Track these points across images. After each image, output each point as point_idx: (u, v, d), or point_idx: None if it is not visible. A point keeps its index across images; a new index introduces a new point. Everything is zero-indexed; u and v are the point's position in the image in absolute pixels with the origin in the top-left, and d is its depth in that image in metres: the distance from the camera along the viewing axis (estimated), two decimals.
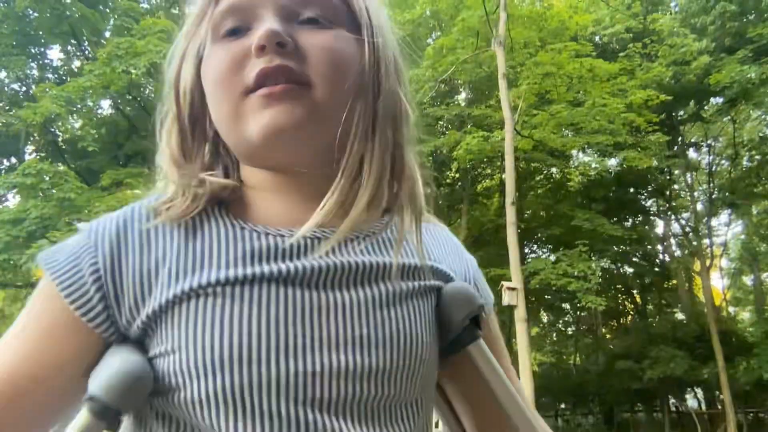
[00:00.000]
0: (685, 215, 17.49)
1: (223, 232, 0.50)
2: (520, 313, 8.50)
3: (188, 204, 0.50)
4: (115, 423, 0.46)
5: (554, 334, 23.38)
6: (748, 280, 22.24)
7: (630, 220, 17.60)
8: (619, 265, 18.08)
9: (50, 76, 13.67)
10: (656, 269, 18.48)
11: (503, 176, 11.94)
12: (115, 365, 0.45)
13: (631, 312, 20.86)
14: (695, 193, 16.03)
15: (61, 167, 10.33)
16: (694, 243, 16.15)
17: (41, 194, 9.80)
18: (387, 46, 0.56)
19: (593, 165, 17.36)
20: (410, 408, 0.51)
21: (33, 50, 13.06)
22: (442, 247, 0.62)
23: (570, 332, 22.32)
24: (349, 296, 0.49)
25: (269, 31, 0.48)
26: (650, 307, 20.30)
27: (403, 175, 0.55)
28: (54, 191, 9.50)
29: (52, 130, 12.83)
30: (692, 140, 17.07)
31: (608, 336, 20.86)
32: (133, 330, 0.48)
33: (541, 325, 23.12)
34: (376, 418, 0.48)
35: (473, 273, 0.63)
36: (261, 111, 0.48)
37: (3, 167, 13.58)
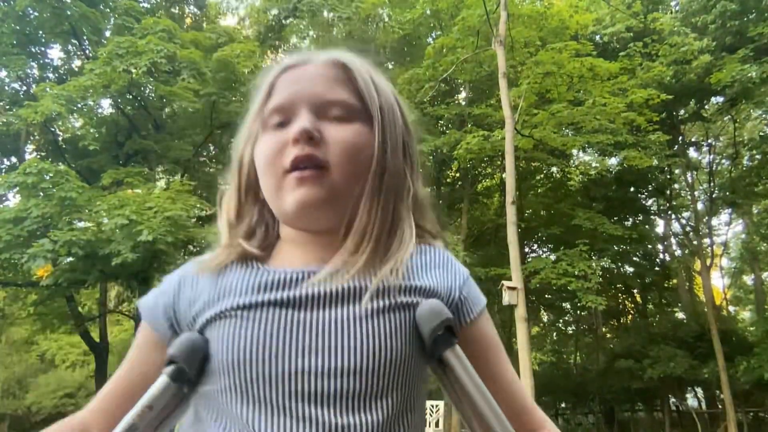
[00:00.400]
0: (686, 214, 17.50)
1: (242, 272, 0.69)
2: (520, 313, 8.50)
3: (223, 258, 0.71)
4: (183, 386, 0.65)
5: (554, 334, 23.39)
6: (748, 279, 22.24)
7: (630, 219, 17.60)
8: (620, 264, 18.08)
9: (50, 75, 13.67)
10: (656, 269, 18.48)
11: (503, 175, 11.94)
12: (184, 338, 0.66)
13: (632, 311, 20.86)
14: (696, 193, 16.03)
15: (62, 166, 10.32)
16: (695, 242, 16.15)
17: (42, 193, 9.80)
18: (396, 132, 0.74)
19: (593, 164, 17.38)
20: (383, 400, 0.63)
21: (33, 49, 13.06)
22: (430, 268, 0.72)
23: (570, 331, 22.33)
24: (331, 314, 0.64)
25: (302, 129, 0.66)
26: (650, 306, 20.31)
27: (396, 234, 0.70)
28: (55, 190, 9.50)
29: (53, 129, 12.83)
30: (693, 139, 17.07)
31: (608, 335, 20.87)
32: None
33: (542, 324, 23.12)
34: (352, 408, 0.61)
35: (461, 284, 0.73)
36: (294, 189, 0.67)
37: (3, 167, 13.59)
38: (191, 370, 0.64)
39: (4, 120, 12.31)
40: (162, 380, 0.65)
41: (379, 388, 0.63)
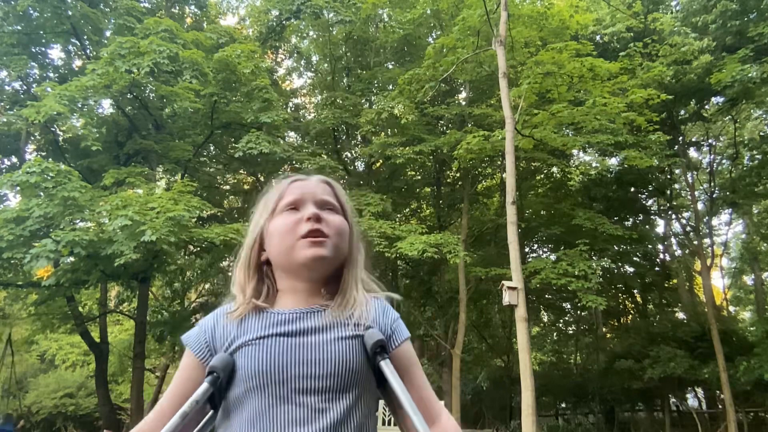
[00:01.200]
0: (686, 214, 17.49)
1: (256, 317, 1.08)
2: (520, 313, 8.50)
3: (242, 311, 1.09)
4: (218, 393, 1.02)
5: (554, 334, 23.38)
6: (748, 279, 22.24)
7: (630, 219, 17.59)
8: (620, 264, 18.07)
9: (51, 75, 13.67)
10: (657, 269, 18.47)
11: (504, 175, 11.94)
12: (220, 356, 1.03)
13: (632, 311, 20.86)
14: (696, 193, 16.02)
15: (63, 166, 10.32)
16: (695, 242, 16.14)
17: (42, 193, 9.80)
18: (353, 222, 1.18)
19: (594, 164, 17.37)
20: (349, 393, 1.02)
21: (34, 49, 13.06)
22: (375, 311, 1.12)
23: (570, 331, 22.32)
24: (315, 339, 1.03)
25: (314, 212, 1.09)
26: (651, 306, 20.29)
27: (358, 291, 1.12)
28: (57, 190, 9.50)
29: (53, 129, 12.84)
30: (693, 139, 17.06)
31: (609, 335, 20.86)
32: None
33: (542, 324, 23.12)
34: (330, 398, 1.00)
35: (391, 323, 1.13)
36: (308, 248, 1.07)
37: (3, 167, 13.59)
38: (223, 377, 1.00)
39: (5, 120, 12.32)
40: (204, 385, 0.99)
41: (345, 385, 1.01)
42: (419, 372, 1.13)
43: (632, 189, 16.49)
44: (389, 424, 10.86)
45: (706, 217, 16.23)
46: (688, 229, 16.87)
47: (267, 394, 0.99)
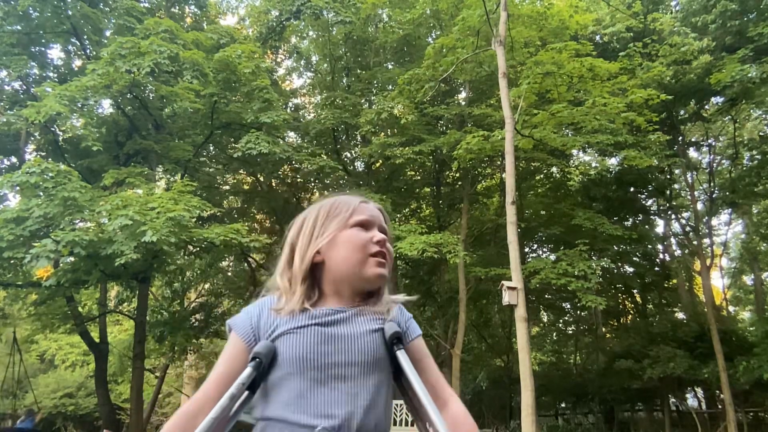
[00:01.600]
0: (686, 214, 17.49)
1: (303, 314, 1.18)
2: (520, 313, 8.50)
3: (291, 308, 1.18)
4: (260, 376, 1.12)
5: (554, 334, 23.39)
6: (748, 279, 22.25)
7: (630, 219, 17.59)
8: (620, 264, 18.08)
9: (51, 75, 13.67)
10: (656, 269, 18.47)
11: (503, 175, 11.94)
12: (264, 342, 1.13)
13: (632, 311, 20.86)
14: (695, 193, 16.02)
15: (63, 166, 10.32)
16: (695, 242, 16.14)
17: (42, 193, 9.80)
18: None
19: (593, 164, 17.37)
20: (373, 377, 1.13)
21: (34, 49, 13.06)
22: (394, 310, 1.25)
23: (570, 332, 22.33)
24: (347, 330, 1.15)
25: (383, 239, 1.24)
26: (650, 306, 20.29)
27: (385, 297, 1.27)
28: (57, 190, 9.49)
29: (53, 129, 12.84)
30: (693, 139, 17.06)
31: (608, 335, 20.87)
32: None
33: (542, 324, 23.13)
34: (359, 382, 1.12)
35: (406, 320, 1.27)
36: (376, 267, 1.21)
37: (3, 167, 13.59)
38: (266, 362, 1.11)
39: (5, 120, 12.31)
40: (248, 369, 1.09)
41: (373, 372, 1.14)
42: (431, 362, 1.27)
43: (632, 189, 16.48)
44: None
45: (706, 217, 16.24)
46: (688, 229, 16.88)
47: (306, 377, 1.09)
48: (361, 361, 1.12)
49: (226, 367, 1.16)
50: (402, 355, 1.15)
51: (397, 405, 11.26)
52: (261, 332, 1.16)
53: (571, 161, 17.24)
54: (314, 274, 1.23)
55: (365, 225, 1.23)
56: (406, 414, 11.17)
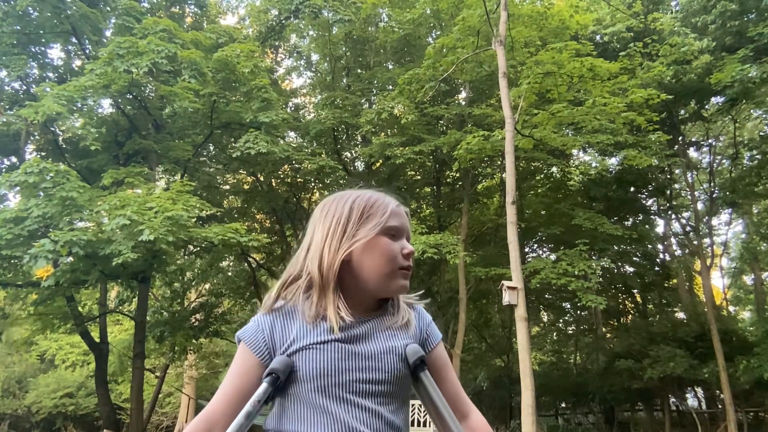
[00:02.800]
0: (686, 214, 17.49)
1: (324, 323, 1.12)
2: (520, 312, 8.50)
3: (313, 315, 1.12)
4: (275, 391, 1.08)
5: (554, 334, 23.39)
6: (748, 279, 22.24)
7: (630, 219, 17.59)
8: (620, 264, 18.07)
9: (51, 75, 13.66)
10: (657, 268, 18.47)
11: (503, 175, 11.93)
12: (281, 358, 1.09)
13: (632, 311, 20.86)
14: (696, 193, 16.02)
15: (62, 166, 10.31)
16: (695, 242, 16.14)
17: (41, 193, 9.79)
18: None
19: (593, 164, 17.37)
20: (395, 397, 1.12)
21: (34, 49, 13.05)
22: (413, 318, 1.21)
23: (570, 331, 22.33)
24: (369, 347, 1.11)
25: (412, 252, 1.18)
26: (650, 306, 20.29)
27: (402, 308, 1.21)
28: (56, 190, 9.49)
29: (53, 129, 12.83)
30: (693, 139, 17.06)
31: (608, 335, 20.86)
32: None
33: (542, 324, 23.13)
34: (381, 402, 1.09)
35: (427, 325, 1.24)
36: (402, 280, 1.15)
37: (3, 166, 13.58)
38: (283, 378, 1.07)
39: (5, 120, 12.31)
40: (264, 386, 1.07)
41: (394, 389, 1.11)
42: (451, 373, 1.25)
43: (632, 189, 16.48)
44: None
45: (706, 217, 16.23)
46: (688, 229, 16.87)
47: (327, 394, 1.06)
48: (384, 379, 1.10)
49: (238, 383, 1.11)
50: (426, 378, 1.15)
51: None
52: (276, 344, 1.11)
53: (571, 161, 17.24)
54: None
55: (396, 233, 1.17)
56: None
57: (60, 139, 13.49)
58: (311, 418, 1.06)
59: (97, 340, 13.93)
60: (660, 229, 19.01)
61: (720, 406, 15.43)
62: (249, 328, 1.15)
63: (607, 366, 16.22)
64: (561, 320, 22.48)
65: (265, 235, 15.10)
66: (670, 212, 17.05)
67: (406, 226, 1.19)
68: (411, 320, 1.20)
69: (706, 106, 15.04)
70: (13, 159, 13.49)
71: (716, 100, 14.41)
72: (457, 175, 16.08)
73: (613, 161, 16.09)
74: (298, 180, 16.93)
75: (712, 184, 15.63)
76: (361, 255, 1.13)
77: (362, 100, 15.31)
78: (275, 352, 1.11)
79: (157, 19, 12.22)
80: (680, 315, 18.69)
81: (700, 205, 16.34)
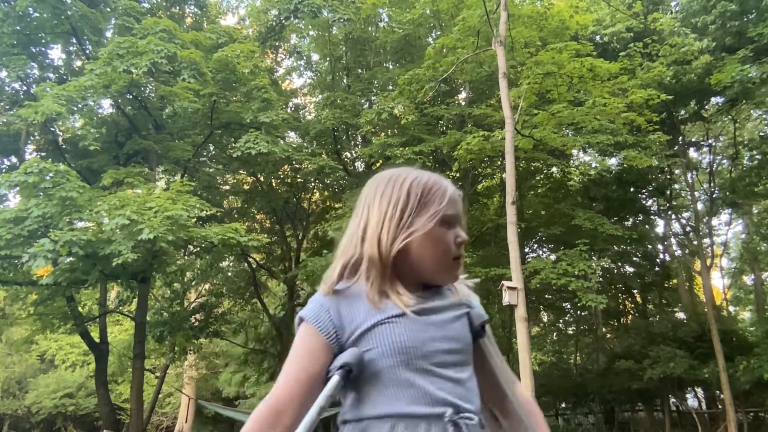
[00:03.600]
0: (686, 215, 17.49)
1: (390, 302, 1.10)
2: (520, 313, 8.50)
3: (375, 294, 1.09)
4: (346, 383, 1.04)
5: (554, 334, 23.38)
6: (748, 279, 22.24)
7: (630, 219, 17.59)
8: (620, 264, 18.07)
9: (51, 75, 13.66)
10: (657, 269, 18.47)
11: (503, 176, 11.93)
12: (352, 350, 1.05)
13: (632, 311, 20.86)
14: (696, 193, 16.02)
15: (62, 166, 10.31)
16: (695, 242, 16.14)
17: (41, 193, 9.79)
18: None
19: (593, 164, 17.37)
20: (467, 364, 1.13)
21: (34, 50, 13.05)
22: (469, 292, 1.22)
23: (570, 332, 22.32)
24: (441, 317, 1.11)
25: (465, 241, 1.15)
26: (651, 306, 20.29)
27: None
28: (56, 190, 9.49)
29: (53, 129, 12.84)
30: (693, 140, 17.06)
31: (608, 335, 20.86)
32: (348, 342, 1.07)
33: (542, 324, 23.12)
34: (459, 369, 1.09)
35: (477, 303, 1.23)
36: (454, 271, 1.15)
37: (3, 166, 13.58)
38: (355, 372, 1.04)
39: (5, 120, 12.31)
40: (336, 378, 1.02)
41: (467, 357, 1.13)
42: (496, 347, 1.28)
43: (632, 189, 16.49)
44: None
45: (706, 217, 16.24)
46: (688, 229, 16.87)
47: (412, 368, 1.04)
48: (458, 348, 1.10)
49: (306, 366, 1.06)
50: (485, 342, 1.19)
51: None
52: (344, 323, 1.07)
53: (571, 161, 17.23)
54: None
55: (451, 222, 1.13)
56: None
57: (60, 139, 13.49)
58: (396, 395, 1.04)
59: (97, 340, 13.93)
60: (660, 229, 19.02)
61: (720, 407, 15.43)
62: (312, 308, 1.10)
63: (607, 366, 16.22)
64: (561, 320, 22.48)
65: (265, 235, 15.13)
66: (670, 212, 17.05)
67: (460, 213, 1.16)
68: (467, 292, 1.21)
69: (706, 107, 15.04)
70: (13, 159, 13.50)
71: (716, 100, 14.42)
72: (457, 175, 16.06)
73: (613, 161, 16.10)
74: (298, 180, 16.94)
75: (712, 184, 15.63)
76: (418, 245, 1.10)
77: (362, 101, 15.31)
78: (343, 334, 1.07)
79: (157, 19, 12.22)
80: (680, 315, 18.69)
81: (700, 206, 16.34)
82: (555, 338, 23.39)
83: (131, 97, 12.66)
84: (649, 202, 17.79)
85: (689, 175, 15.75)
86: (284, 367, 1.07)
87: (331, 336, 1.06)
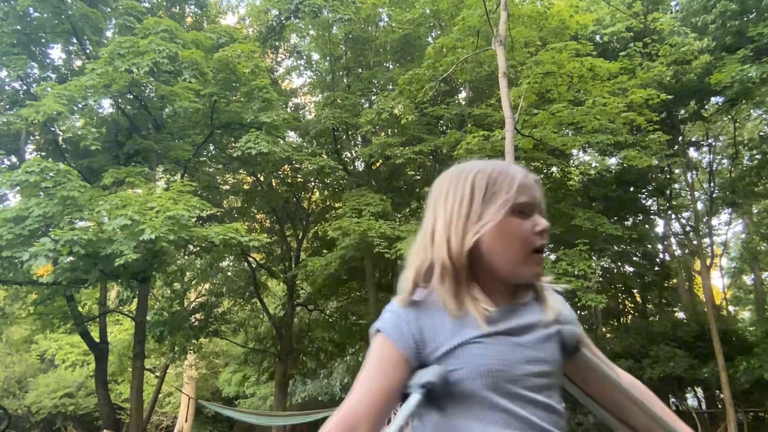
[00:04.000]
0: (686, 214, 17.49)
1: (474, 315, 1.02)
2: None
3: (455, 307, 1.02)
4: (426, 402, 0.98)
5: None
6: (748, 279, 22.24)
7: (630, 219, 17.59)
8: (620, 264, 18.07)
9: (51, 75, 13.66)
10: (656, 268, 18.47)
11: None
12: (437, 368, 0.98)
13: (632, 311, 20.86)
14: (696, 192, 16.02)
15: (63, 166, 10.32)
16: (695, 242, 16.14)
17: (42, 193, 9.79)
18: None
19: (593, 164, 17.37)
20: (556, 389, 1.06)
21: (34, 49, 13.05)
22: (559, 304, 1.12)
23: None
24: (531, 338, 1.03)
25: (547, 228, 1.05)
26: (650, 306, 20.29)
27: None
28: (56, 190, 9.49)
29: (53, 129, 12.84)
30: (693, 139, 17.07)
31: (608, 335, 20.85)
32: (430, 358, 1.00)
33: None
34: (549, 395, 1.03)
35: (569, 312, 1.13)
36: (536, 266, 1.04)
37: (3, 166, 13.58)
38: (438, 392, 0.98)
39: (5, 120, 12.31)
40: (417, 397, 0.97)
41: (557, 381, 1.06)
42: (599, 352, 1.21)
43: (632, 189, 16.48)
44: (387, 423, 10.99)
45: (706, 217, 16.24)
46: (688, 228, 16.88)
47: (502, 392, 0.98)
48: (549, 371, 1.03)
49: (382, 380, 0.99)
50: (586, 355, 1.12)
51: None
52: (426, 342, 1.00)
53: (571, 161, 17.23)
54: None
55: (525, 210, 1.04)
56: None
57: (60, 138, 13.49)
58: (490, 419, 0.97)
59: (97, 340, 13.94)
60: (660, 229, 19.03)
61: (720, 406, 15.43)
62: (389, 319, 1.03)
63: None
64: None
65: (265, 235, 15.11)
66: (670, 212, 17.06)
67: (537, 199, 1.06)
68: (557, 304, 1.11)
69: (706, 106, 15.04)
70: (13, 159, 13.50)
71: (716, 100, 14.42)
72: None
73: (613, 161, 16.09)
74: (298, 180, 16.94)
75: (712, 184, 15.63)
76: (490, 240, 1.02)
77: (362, 100, 15.31)
78: (423, 348, 1.00)
79: (159, 18, 12.22)
80: (680, 315, 18.69)
81: (700, 205, 16.34)
82: None
83: (131, 96, 12.66)
84: (649, 202, 17.79)
85: (689, 174, 15.75)
86: (359, 380, 1.01)
87: (410, 350, 1.00)
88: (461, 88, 16.08)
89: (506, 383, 0.98)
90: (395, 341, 1.00)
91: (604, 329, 20.57)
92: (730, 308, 22.61)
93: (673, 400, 17.05)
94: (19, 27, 12.29)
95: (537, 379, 1.01)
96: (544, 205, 1.08)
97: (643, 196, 17.40)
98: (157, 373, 17.79)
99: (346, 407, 0.97)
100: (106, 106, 14.17)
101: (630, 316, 20.71)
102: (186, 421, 20.12)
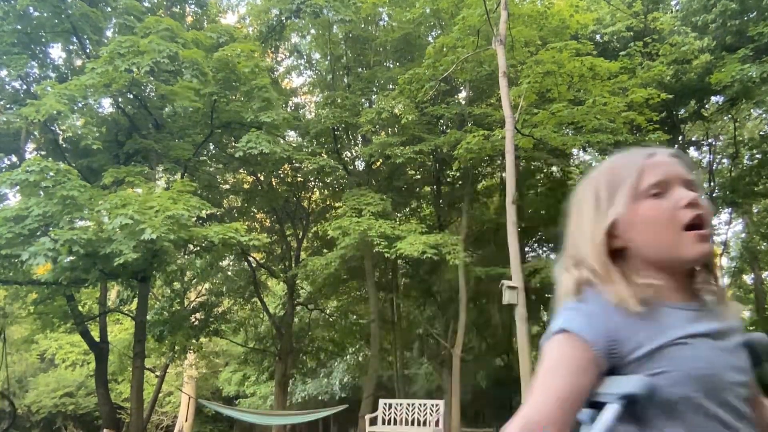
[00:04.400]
0: None
1: (666, 311, 0.94)
2: (520, 312, 8.50)
3: (635, 302, 0.93)
4: (629, 414, 0.89)
5: None
6: (748, 278, 22.24)
7: None
8: None
9: (51, 74, 13.66)
10: None
11: (504, 175, 11.93)
12: (641, 380, 0.87)
13: None
14: None
15: (63, 165, 10.32)
16: None
17: (42, 192, 9.79)
18: None
19: (594, 164, 17.34)
20: (749, 402, 0.94)
21: (34, 48, 13.04)
22: (736, 309, 1.04)
23: None
24: (728, 343, 0.94)
25: (694, 197, 0.95)
26: None
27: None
28: (56, 189, 9.49)
29: (53, 128, 12.83)
30: (693, 139, 17.06)
31: None
32: (626, 360, 0.91)
33: (542, 323, 23.10)
34: (744, 402, 0.92)
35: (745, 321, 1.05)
36: (697, 244, 0.94)
37: (3, 165, 13.58)
38: (641, 405, 0.88)
39: (5, 119, 12.31)
40: (616, 408, 0.88)
41: (751, 393, 0.96)
42: None
43: None
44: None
45: None
46: None
47: (715, 400, 0.89)
48: (747, 381, 0.94)
49: (573, 382, 0.89)
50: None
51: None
52: (622, 342, 0.90)
53: (572, 160, 17.23)
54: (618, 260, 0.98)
55: (660, 187, 0.96)
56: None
57: (60, 138, 13.49)
58: (705, 429, 0.88)
59: (97, 339, 13.94)
60: None
61: None
62: (574, 316, 0.93)
63: None
64: None
65: (265, 234, 15.12)
66: None
67: (673, 173, 0.97)
68: (738, 311, 1.04)
69: (706, 106, 15.04)
70: (13, 158, 13.50)
71: (716, 99, 14.42)
72: (458, 174, 16.07)
73: None
74: (298, 179, 16.94)
75: (711, 183, 15.63)
76: (636, 236, 0.96)
77: (362, 100, 15.31)
78: (619, 348, 0.90)
79: (159, 18, 12.22)
80: None
81: None
82: None
83: (131, 96, 12.66)
84: None
85: None
86: (543, 382, 0.91)
87: (603, 350, 0.90)
88: (461, 88, 16.07)
89: (718, 390, 0.89)
90: (586, 338, 0.90)
91: None
92: None
93: None
94: (19, 26, 12.28)
95: (741, 389, 0.92)
96: (695, 176, 1.00)
97: None
98: (158, 373, 17.79)
99: (532, 411, 0.88)
100: (106, 105, 14.18)
101: None
102: (186, 420, 20.14)
